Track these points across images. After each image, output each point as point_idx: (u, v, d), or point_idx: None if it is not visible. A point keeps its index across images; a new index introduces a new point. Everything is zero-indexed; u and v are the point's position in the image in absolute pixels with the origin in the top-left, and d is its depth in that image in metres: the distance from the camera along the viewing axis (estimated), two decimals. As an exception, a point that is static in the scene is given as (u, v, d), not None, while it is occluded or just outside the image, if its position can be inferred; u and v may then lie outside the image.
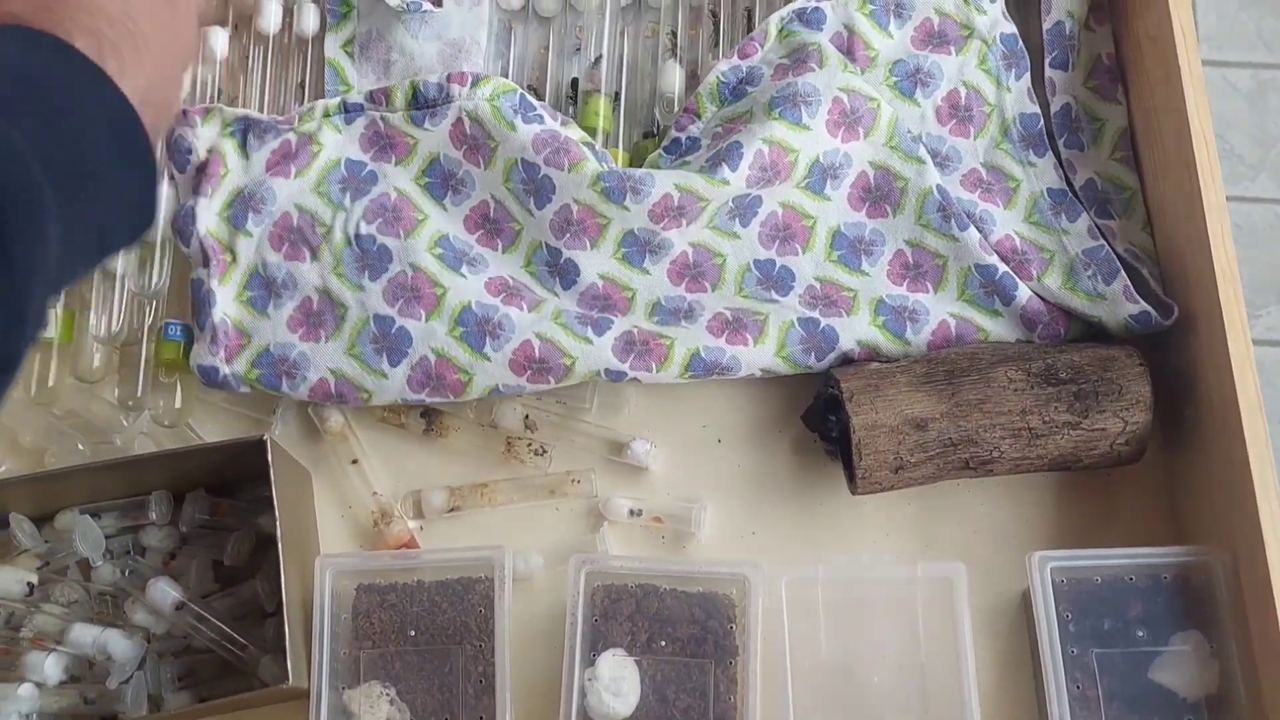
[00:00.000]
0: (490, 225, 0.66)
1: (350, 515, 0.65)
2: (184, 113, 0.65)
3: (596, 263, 0.65)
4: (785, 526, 0.65)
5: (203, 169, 0.65)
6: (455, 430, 0.66)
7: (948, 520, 0.65)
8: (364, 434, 0.66)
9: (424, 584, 0.61)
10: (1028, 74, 0.68)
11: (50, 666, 0.58)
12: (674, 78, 0.68)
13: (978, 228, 0.65)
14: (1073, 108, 0.68)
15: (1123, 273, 0.64)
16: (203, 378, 0.63)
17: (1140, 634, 0.58)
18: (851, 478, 0.62)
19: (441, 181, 0.66)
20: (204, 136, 0.65)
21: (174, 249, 0.66)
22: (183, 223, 0.64)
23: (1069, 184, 0.67)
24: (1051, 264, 0.65)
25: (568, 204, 0.64)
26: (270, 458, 0.58)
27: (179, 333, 0.65)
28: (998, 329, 0.65)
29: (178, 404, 0.65)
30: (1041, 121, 0.67)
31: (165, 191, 0.65)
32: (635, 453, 0.65)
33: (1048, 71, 0.68)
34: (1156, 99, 0.65)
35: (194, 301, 0.64)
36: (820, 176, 0.65)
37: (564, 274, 0.65)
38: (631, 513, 0.64)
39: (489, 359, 0.62)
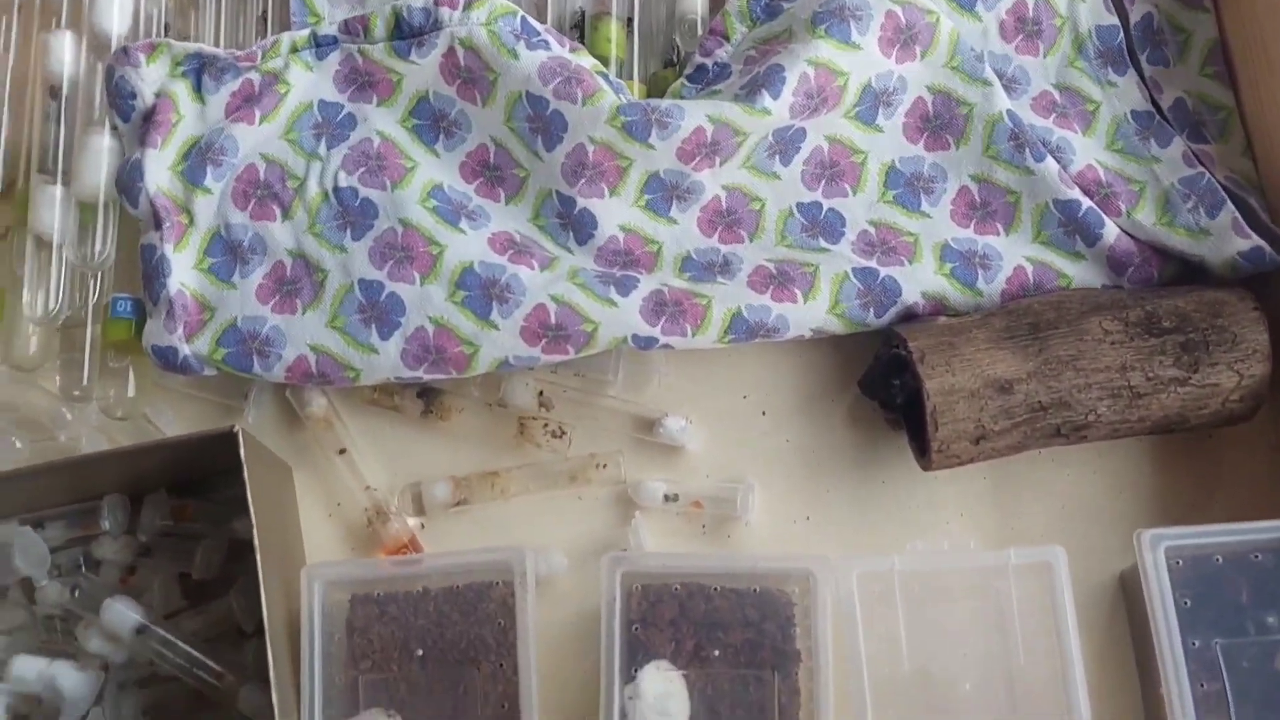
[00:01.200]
0: (491, 172, 0.59)
1: (339, 514, 0.60)
2: (125, 50, 0.59)
3: (616, 212, 0.58)
4: (843, 509, 0.60)
5: (150, 116, 0.58)
6: (458, 411, 0.60)
7: (1030, 494, 0.60)
8: (352, 419, 0.60)
9: (430, 592, 0.55)
10: (1104, -22, 0.60)
11: (-11, 707, 0.54)
12: (696, -5, 0.62)
13: (1055, 158, 0.58)
14: (1155, 17, 0.60)
15: (1229, 203, 0.57)
16: (159, 360, 0.57)
17: (1271, 620, 0.53)
18: (923, 451, 0.55)
19: (432, 123, 0.59)
20: (150, 78, 0.59)
21: (120, 211, 0.60)
22: (129, 179, 0.58)
23: (1155, 105, 0.60)
24: (1142, 196, 0.58)
25: (582, 143, 0.56)
26: (242, 452, 0.52)
27: (129, 309, 0.59)
28: (1081, 274, 0.58)
29: (130, 392, 0.60)
30: (1121, 34, 0.61)
31: (107, 144, 0.59)
32: (668, 430, 0.59)
33: (1126, -25, 0.61)
34: (1257, 3, 0.57)
35: (145, 272, 0.58)
36: (872, 104, 0.58)
37: (579, 227, 0.57)
38: (667, 498, 0.59)
39: (496, 327, 0.55)
